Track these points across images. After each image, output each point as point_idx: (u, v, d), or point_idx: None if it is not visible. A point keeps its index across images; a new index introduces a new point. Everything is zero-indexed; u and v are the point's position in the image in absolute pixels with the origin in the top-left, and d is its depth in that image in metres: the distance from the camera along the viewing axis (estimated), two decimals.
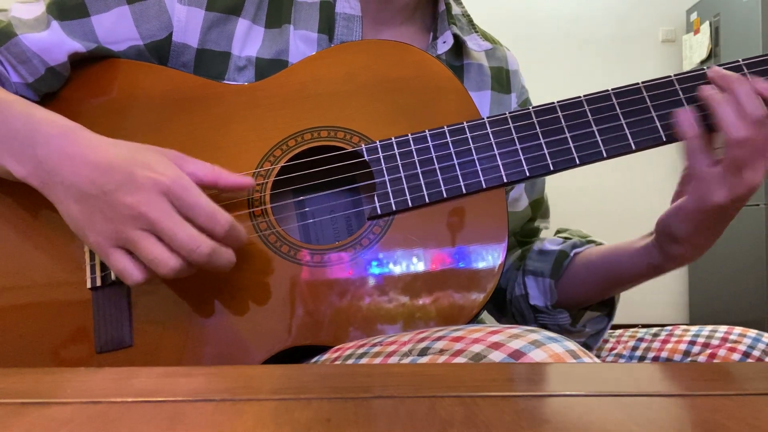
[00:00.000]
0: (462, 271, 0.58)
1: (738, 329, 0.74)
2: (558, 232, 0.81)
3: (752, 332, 0.73)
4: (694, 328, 0.77)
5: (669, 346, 0.76)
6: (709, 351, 0.73)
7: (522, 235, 0.83)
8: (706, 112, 0.58)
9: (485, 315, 0.75)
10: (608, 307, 0.76)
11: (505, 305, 0.81)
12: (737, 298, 2.82)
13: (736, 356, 0.71)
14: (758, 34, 2.66)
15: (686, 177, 0.63)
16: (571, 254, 0.74)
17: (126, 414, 0.27)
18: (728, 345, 0.72)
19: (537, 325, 0.75)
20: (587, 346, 0.75)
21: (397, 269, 0.58)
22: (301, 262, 0.58)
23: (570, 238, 0.77)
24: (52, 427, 0.25)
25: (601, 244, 0.76)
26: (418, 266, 0.58)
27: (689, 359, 0.74)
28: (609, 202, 3.24)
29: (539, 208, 0.83)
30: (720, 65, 0.61)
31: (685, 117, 0.58)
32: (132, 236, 0.51)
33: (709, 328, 0.76)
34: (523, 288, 0.76)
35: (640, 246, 0.67)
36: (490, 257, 0.58)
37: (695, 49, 3.11)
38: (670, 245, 0.63)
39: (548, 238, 0.80)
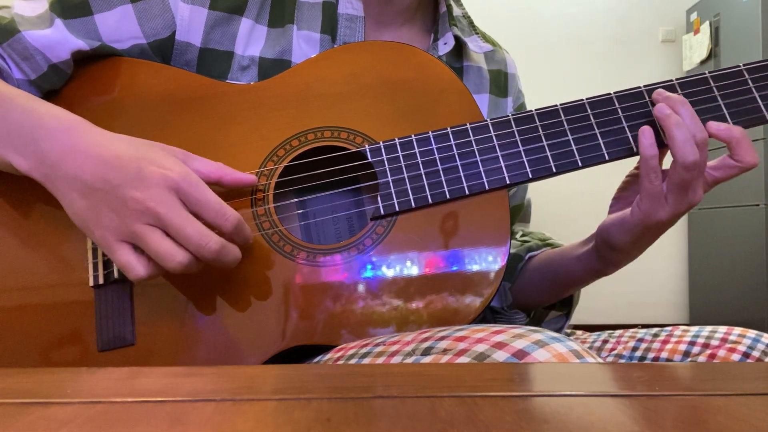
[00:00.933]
0: (463, 275, 0.58)
1: (737, 330, 0.74)
2: (523, 235, 0.83)
3: (752, 332, 0.73)
4: (693, 329, 0.77)
5: (669, 346, 0.76)
6: (708, 351, 0.73)
7: None
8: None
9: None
10: (568, 306, 0.78)
11: None
12: (737, 298, 2.82)
13: (735, 356, 0.71)
14: (758, 34, 2.66)
15: (629, 183, 0.65)
16: (526, 257, 0.76)
17: (126, 414, 0.27)
18: (728, 345, 0.72)
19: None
20: None
21: (401, 269, 0.58)
22: (304, 262, 0.58)
23: (528, 242, 0.79)
24: (52, 427, 0.25)
25: (559, 246, 0.78)
26: (421, 267, 0.58)
27: (689, 360, 0.74)
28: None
29: (518, 213, 0.85)
30: (721, 70, 0.61)
31: (647, 136, 0.58)
32: (139, 230, 0.51)
33: (709, 328, 0.76)
34: None
35: (582, 252, 0.69)
36: (491, 262, 0.58)
37: (695, 49, 3.11)
38: (608, 252, 0.65)
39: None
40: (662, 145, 0.59)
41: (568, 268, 0.71)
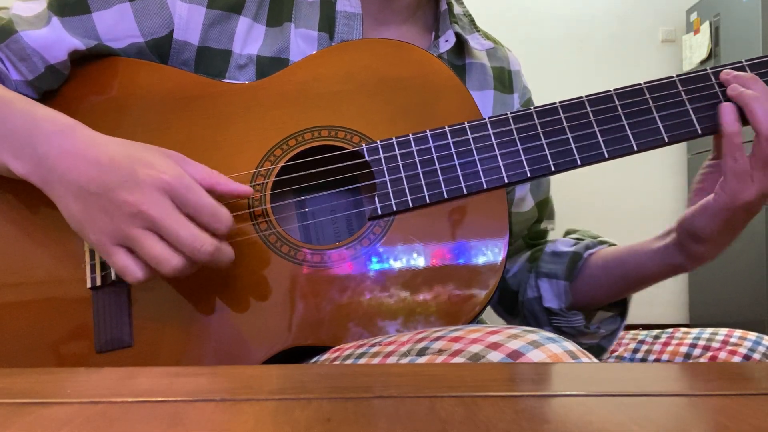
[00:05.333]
0: (464, 269, 0.58)
1: (738, 332, 0.74)
2: (567, 233, 0.81)
3: (752, 335, 0.73)
4: (694, 331, 0.77)
5: (670, 348, 0.76)
6: (709, 354, 0.73)
7: (530, 238, 0.82)
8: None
9: (485, 315, 0.75)
10: (620, 307, 0.76)
11: (517, 307, 0.80)
12: (737, 298, 2.82)
13: (736, 359, 0.71)
14: (758, 34, 2.66)
15: (708, 174, 0.63)
16: (585, 255, 0.74)
17: (126, 414, 0.27)
18: (729, 348, 0.72)
19: (551, 327, 0.75)
20: (601, 348, 0.75)
21: (399, 269, 0.58)
22: (302, 262, 0.58)
23: (582, 239, 0.77)
24: (52, 427, 0.25)
25: (613, 244, 0.75)
26: (420, 266, 0.58)
27: (690, 362, 0.74)
28: (609, 202, 3.24)
29: (545, 208, 0.83)
30: (723, 66, 0.61)
31: (729, 112, 0.58)
32: (133, 234, 0.51)
33: (710, 330, 0.76)
34: (537, 290, 0.76)
35: (659, 246, 0.66)
36: (491, 254, 0.58)
37: (695, 49, 3.11)
38: (692, 244, 0.62)
39: (560, 239, 0.79)
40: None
41: (641, 264, 0.68)
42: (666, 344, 0.77)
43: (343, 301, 0.57)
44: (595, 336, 0.74)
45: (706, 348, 0.73)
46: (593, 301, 0.74)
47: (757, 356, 0.70)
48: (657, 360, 0.77)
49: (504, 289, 0.81)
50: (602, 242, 0.76)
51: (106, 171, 0.52)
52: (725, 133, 0.58)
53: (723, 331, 0.75)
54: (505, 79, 0.78)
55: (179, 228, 0.51)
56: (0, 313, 0.58)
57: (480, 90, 0.75)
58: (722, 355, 0.72)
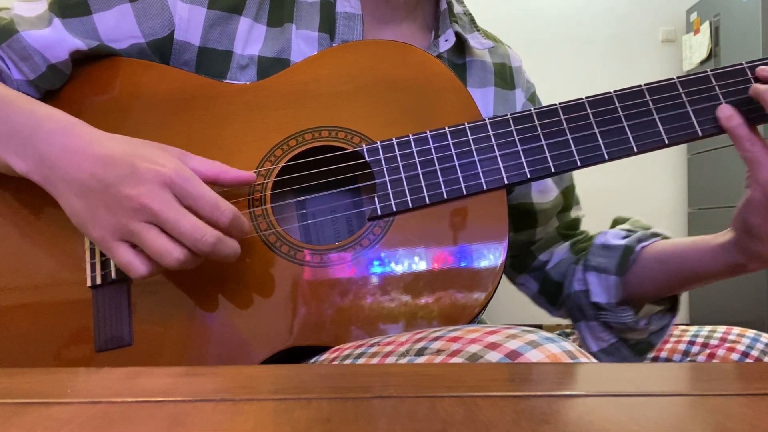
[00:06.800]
0: (463, 271, 0.58)
1: (736, 329, 0.74)
2: (616, 222, 0.79)
3: (750, 332, 0.73)
4: (692, 328, 0.78)
5: (668, 345, 0.76)
6: (708, 351, 0.73)
7: (564, 228, 0.81)
8: (748, 107, 0.59)
9: (487, 315, 0.75)
10: (670, 302, 0.74)
11: (560, 299, 0.79)
12: (737, 298, 2.82)
13: (734, 356, 0.71)
14: (758, 34, 2.65)
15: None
16: (637, 249, 0.72)
17: (126, 414, 0.27)
18: (727, 345, 0.72)
19: (598, 322, 0.74)
20: (650, 344, 0.74)
21: (398, 269, 0.58)
22: (302, 263, 0.58)
23: (633, 231, 0.75)
24: (52, 427, 0.25)
25: (667, 237, 0.74)
26: (419, 266, 0.58)
27: (688, 359, 0.75)
28: (609, 203, 3.24)
29: (571, 195, 0.81)
30: (723, 67, 0.61)
31: (723, 109, 0.58)
32: (135, 229, 0.51)
33: (708, 328, 0.76)
34: (584, 284, 0.74)
35: (720, 243, 0.65)
36: (491, 256, 0.58)
37: (695, 50, 3.10)
38: (749, 242, 0.61)
39: (610, 231, 0.78)
40: (756, 122, 0.58)
41: (702, 259, 0.66)
42: (664, 341, 0.77)
43: (343, 301, 0.57)
44: (644, 332, 0.73)
45: (705, 345, 0.74)
46: (644, 295, 0.72)
47: (755, 353, 0.71)
48: (655, 357, 0.77)
49: (545, 280, 0.81)
50: (655, 234, 0.74)
51: (107, 167, 0.52)
52: (726, 130, 0.58)
53: (721, 329, 0.75)
54: (506, 76, 0.78)
55: (180, 219, 0.51)
56: (1, 316, 0.58)
57: (481, 87, 0.75)
58: (720, 352, 0.72)
